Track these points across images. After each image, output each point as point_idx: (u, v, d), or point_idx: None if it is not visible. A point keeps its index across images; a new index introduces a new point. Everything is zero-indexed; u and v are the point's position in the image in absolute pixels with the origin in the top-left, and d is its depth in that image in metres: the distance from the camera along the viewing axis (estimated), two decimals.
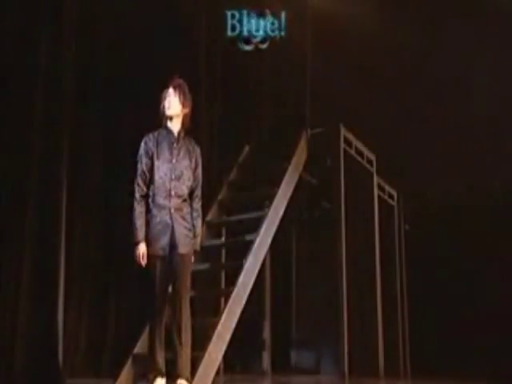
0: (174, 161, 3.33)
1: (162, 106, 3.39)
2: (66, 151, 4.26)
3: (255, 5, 5.24)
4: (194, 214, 3.38)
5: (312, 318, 6.03)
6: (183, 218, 3.30)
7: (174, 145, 3.37)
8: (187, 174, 3.35)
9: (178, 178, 3.31)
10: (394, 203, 6.48)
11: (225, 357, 3.96)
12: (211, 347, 3.66)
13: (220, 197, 5.05)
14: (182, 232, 3.27)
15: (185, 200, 3.34)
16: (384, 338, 5.60)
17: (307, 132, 5.27)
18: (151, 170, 3.33)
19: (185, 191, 3.33)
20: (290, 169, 4.93)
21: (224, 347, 3.80)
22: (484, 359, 6.05)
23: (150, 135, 3.41)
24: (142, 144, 3.39)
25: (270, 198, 4.68)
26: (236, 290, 4.02)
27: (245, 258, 4.20)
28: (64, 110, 4.29)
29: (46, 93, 4.23)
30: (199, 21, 5.33)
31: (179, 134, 3.41)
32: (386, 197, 6.30)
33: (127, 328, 4.75)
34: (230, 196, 5.10)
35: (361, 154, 5.59)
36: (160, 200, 3.28)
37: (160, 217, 3.25)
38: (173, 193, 3.29)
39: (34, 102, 4.19)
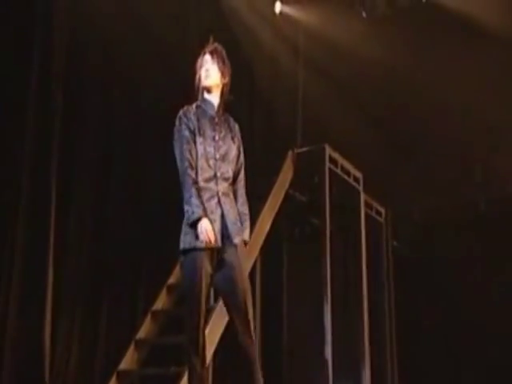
0: (216, 138, 2.91)
1: (197, 77, 2.98)
2: (55, 164, 4.32)
3: None
4: (240, 200, 2.94)
5: (301, 335, 6.10)
6: (231, 205, 2.88)
7: (216, 120, 2.95)
8: (231, 154, 2.93)
9: (223, 159, 2.90)
10: (382, 220, 6.59)
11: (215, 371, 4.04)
12: None
13: None
14: (232, 220, 2.84)
15: (230, 184, 2.93)
16: (371, 357, 5.67)
17: (294, 151, 5.42)
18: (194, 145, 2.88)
19: (230, 174, 2.92)
20: (276, 186, 5.05)
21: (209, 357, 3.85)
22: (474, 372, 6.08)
23: (189, 107, 2.97)
24: (181, 116, 2.93)
25: (257, 213, 4.81)
26: (218, 307, 4.11)
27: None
28: (54, 125, 4.35)
29: (36, 111, 4.29)
30: (187, 53, 5.47)
31: (219, 107, 2.98)
32: (373, 214, 6.42)
33: (118, 341, 4.82)
34: None
35: (347, 172, 5.72)
36: (204, 182, 2.84)
37: (207, 202, 2.79)
38: (219, 174, 2.87)
39: (24, 116, 4.24)
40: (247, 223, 2.94)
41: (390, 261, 6.57)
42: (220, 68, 2.96)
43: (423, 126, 6.77)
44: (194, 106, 2.97)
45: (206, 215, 2.72)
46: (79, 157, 4.69)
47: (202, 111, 2.95)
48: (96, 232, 4.83)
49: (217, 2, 5.92)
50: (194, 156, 2.85)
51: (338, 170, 5.53)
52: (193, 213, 2.73)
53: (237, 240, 2.81)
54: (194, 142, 2.87)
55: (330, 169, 5.38)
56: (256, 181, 5.36)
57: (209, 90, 2.97)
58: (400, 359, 6.44)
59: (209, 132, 2.91)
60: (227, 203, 2.85)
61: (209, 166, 2.85)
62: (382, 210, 6.59)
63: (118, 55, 4.89)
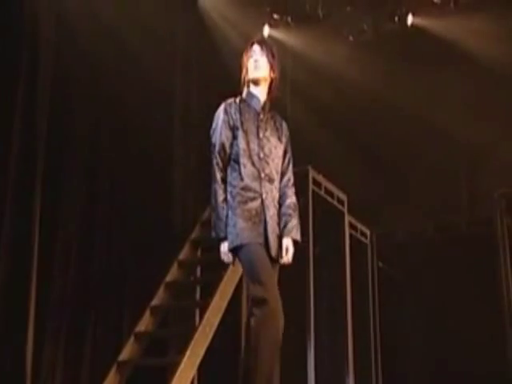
0: (261, 135, 2.72)
1: (244, 69, 2.79)
2: (40, 187, 4.38)
3: None
4: (287, 201, 2.72)
5: (286, 364, 6.11)
6: (274, 211, 2.67)
7: (261, 116, 2.76)
8: (276, 154, 2.74)
9: (267, 158, 2.70)
10: (367, 241, 6.65)
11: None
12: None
13: (193, 235, 5.23)
14: (272, 228, 2.63)
15: (275, 186, 2.71)
16: (356, 375, 5.68)
17: None
18: (231, 145, 2.70)
19: (274, 175, 2.72)
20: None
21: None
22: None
23: (231, 101, 2.78)
24: (221, 112, 2.74)
25: None
26: (201, 327, 4.16)
27: (210, 297, 4.36)
28: (38, 150, 4.40)
29: (21, 136, 4.35)
30: (174, 95, 5.56)
31: (265, 103, 2.79)
32: (358, 235, 6.48)
33: (103, 365, 4.83)
34: (201, 235, 5.28)
35: (331, 194, 5.79)
36: (246, 182, 2.64)
37: (249, 204, 2.60)
38: (263, 175, 2.67)
39: (8, 142, 4.28)
40: (292, 223, 2.69)
41: (375, 281, 6.62)
42: (269, 61, 2.78)
43: (407, 149, 6.89)
44: (237, 99, 2.78)
45: (226, 237, 2.58)
46: (64, 181, 4.76)
47: (246, 106, 2.75)
48: (81, 255, 4.90)
49: (204, 25, 6.05)
50: (226, 159, 2.67)
51: (322, 192, 5.61)
52: (220, 231, 2.61)
53: (274, 252, 2.62)
54: (235, 137, 2.68)
55: (313, 191, 5.45)
56: None
57: (256, 83, 2.77)
58: (385, 378, 6.46)
59: (252, 128, 2.71)
60: (270, 208, 2.65)
61: (252, 164, 2.66)
62: (367, 232, 6.66)
63: (104, 80, 4.98)
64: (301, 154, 6.86)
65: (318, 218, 5.58)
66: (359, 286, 6.32)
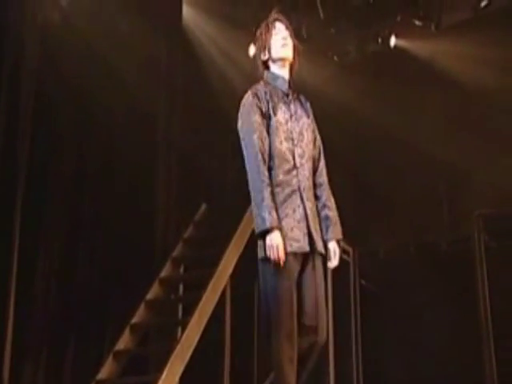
0: (293, 118, 2.48)
1: (264, 49, 2.53)
2: (21, 202, 4.41)
3: None
4: (325, 193, 2.50)
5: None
6: (313, 203, 2.45)
7: (290, 97, 2.52)
8: (308, 138, 2.50)
9: (301, 144, 2.47)
10: (350, 259, 6.72)
11: None
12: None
13: (175, 253, 5.28)
14: (314, 222, 2.42)
15: (310, 174, 2.49)
16: None
17: None
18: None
19: (309, 162, 2.49)
20: (241, 226, 5.19)
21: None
22: None
23: (257, 86, 2.52)
24: (249, 97, 2.47)
25: (221, 255, 4.93)
26: (179, 345, 4.19)
27: (189, 314, 4.40)
28: (18, 183, 4.42)
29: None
30: (158, 116, 5.62)
31: (290, 82, 2.56)
32: (341, 253, 6.53)
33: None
34: (183, 253, 5.34)
35: None
36: (283, 175, 2.40)
37: (289, 200, 2.36)
38: (298, 163, 2.43)
39: None
40: (335, 224, 2.48)
41: (357, 299, 6.67)
42: (294, 41, 2.59)
43: (390, 169, 6.99)
44: (261, 83, 2.53)
45: (279, 226, 2.27)
46: (47, 199, 4.81)
47: (272, 88, 2.50)
48: (62, 272, 4.92)
49: (188, 45, 6.13)
50: (267, 146, 2.38)
51: None
52: (263, 220, 2.26)
53: (320, 247, 2.40)
54: (268, 126, 2.42)
55: None
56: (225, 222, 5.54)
57: (282, 62, 2.53)
58: None
59: (283, 113, 2.46)
60: (310, 200, 2.42)
61: (287, 154, 2.42)
62: (350, 250, 6.72)
63: (86, 102, 5.05)
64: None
65: None
66: (342, 304, 6.37)
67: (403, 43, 7.26)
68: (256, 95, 2.48)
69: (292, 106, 2.52)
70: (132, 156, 5.11)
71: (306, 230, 2.38)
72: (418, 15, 6.87)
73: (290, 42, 2.57)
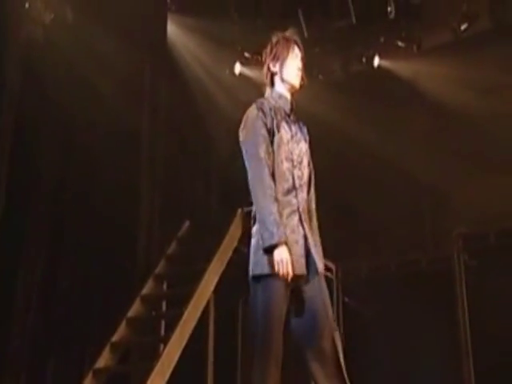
0: (294, 139, 2.47)
1: (277, 65, 2.50)
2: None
3: None
4: (315, 216, 2.50)
5: None
6: (311, 224, 2.44)
7: (291, 117, 2.51)
8: (305, 161, 2.50)
9: (300, 165, 2.46)
10: (333, 277, 6.76)
11: None
12: None
13: (157, 270, 5.29)
14: (313, 242, 2.39)
15: (306, 198, 2.46)
16: None
17: (243, 209, 5.61)
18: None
19: (306, 185, 2.47)
20: (224, 243, 5.22)
21: None
22: None
23: (263, 101, 2.49)
24: (255, 110, 2.44)
25: (203, 272, 4.95)
26: (159, 364, 4.19)
27: (171, 331, 4.41)
28: None
29: None
30: (141, 134, 5.66)
31: (292, 103, 2.54)
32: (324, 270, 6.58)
33: None
34: (166, 269, 5.35)
35: None
36: (282, 194, 2.36)
37: (287, 220, 2.32)
38: (297, 184, 2.41)
39: None
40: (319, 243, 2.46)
41: (341, 315, 6.70)
42: (303, 74, 2.56)
43: (372, 187, 7.07)
44: (265, 99, 2.50)
45: (287, 241, 2.23)
46: (27, 218, 4.81)
47: (276, 106, 2.48)
48: (44, 288, 4.92)
49: (174, 65, 6.20)
50: (271, 162, 2.35)
51: None
52: (271, 235, 2.22)
53: (321, 267, 2.37)
54: (271, 143, 2.39)
55: None
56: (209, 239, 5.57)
57: (290, 87, 2.51)
58: None
59: (285, 132, 2.45)
60: (307, 221, 2.40)
61: (286, 174, 2.40)
62: (333, 267, 6.77)
63: (71, 129, 5.09)
64: None
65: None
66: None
67: (386, 63, 7.40)
68: (261, 109, 2.45)
69: (293, 128, 2.52)
70: (115, 173, 5.14)
71: (303, 252, 2.34)
72: (400, 37, 7.01)
73: (302, 75, 2.58)
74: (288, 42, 2.57)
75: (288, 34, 2.61)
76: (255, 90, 7.29)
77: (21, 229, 4.73)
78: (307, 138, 2.60)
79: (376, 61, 7.31)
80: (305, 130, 2.61)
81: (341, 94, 7.38)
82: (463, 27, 6.43)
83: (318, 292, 2.35)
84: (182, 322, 4.47)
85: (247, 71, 7.52)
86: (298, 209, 2.39)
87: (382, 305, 6.61)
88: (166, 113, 5.83)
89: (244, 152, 2.47)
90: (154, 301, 5.17)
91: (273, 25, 6.56)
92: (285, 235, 2.27)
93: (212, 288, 4.99)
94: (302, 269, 2.32)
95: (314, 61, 7.46)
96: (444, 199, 6.81)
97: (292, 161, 2.45)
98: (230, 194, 6.69)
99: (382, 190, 6.99)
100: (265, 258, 2.29)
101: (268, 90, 2.56)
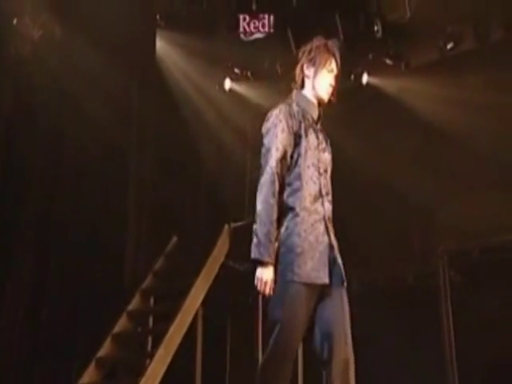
0: (320, 147, 2.43)
1: (314, 65, 2.45)
2: None
3: None
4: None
5: None
6: (335, 234, 2.38)
7: (318, 126, 2.48)
8: (329, 171, 2.48)
9: (326, 174, 2.43)
10: None
11: None
12: None
13: (144, 285, 5.31)
14: (339, 253, 2.35)
15: (331, 207, 2.41)
16: None
17: (230, 225, 5.66)
18: (291, 154, 2.32)
19: (330, 195, 2.43)
20: (211, 258, 5.25)
21: None
22: None
23: (291, 102, 2.43)
24: (283, 113, 2.36)
25: (189, 287, 4.98)
26: (144, 380, 4.19)
27: (155, 348, 4.41)
28: None
29: None
30: (129, 152, 5.71)
31: (320, 111, 2.52)
32: None
33: None
34: (153, 285, 5.36)
35: None
36: (310, 200, 2.31)
37: (313, 227, 2.27)
38: (324, 192, 2.38)
39: None
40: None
41: None
42: (334, 91, 2.52)
43: (359, 202, 7.12)
44: (293, 102, 2.44)
45: (272, 263, 2.18)
46: (14, 228, 4.81)
47: (303, 110, 2.43)
48: (31, 305, 4.91)
49: (163, 82, 6.25)
50: (285, 169, 2.28)
51: None
52: (264, 251, 2.18)
53: (344, 279, 2.32)
54: (296, 146, 2.31)
55: None
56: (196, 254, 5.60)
57: (318, 97, 2.48)
58: None
59: (312, 138, 2.40)
60: (333, 231, 2.36)
61: (314, 180, 2.35)
62: None
63: (58, 146, 5.12)
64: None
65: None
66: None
67: (375, 80, 7.49)
68: (288, 111, 2.39)
69: (319, 136, 2.48)
70: (103, 189, 5.17)
71: (326, 261, 2.28)
72: (388, 54, 7.11)
73: (332, 90, 2.52)
74: (328, 52, 2.52)
75: (329, 43, 2.54)
76: (245, 107, 7.43)
77: (8, 248, 4.73)
78: (330, 150, 2.56)
79: (364, 78, 7.40)
80: (328, 141, 2.58)
81: (329, 110, 7.45)
82: (449, 46, 6.53)
83: (339, 304, 2.32)
84: (167, 338, 4.48)
85: (237, 87, 7.60)
86: (324, 217, 2.34)
87: (369, 318, 6.65)
88: (154, 129, 5.88)
89: (261, 150, 2.40)
90: (140, 316, 5.17)
91: (262, 42, 6.68)
92: (274, 257, 2.20)
93: (199, 303, 5.01)
94: (324, 278, 2.27)
95: None
96: (431, 215, 6.87)
97: (319, 168, 2.39)
98: (218, 210, 6.73)
99: (370, 206, 7.04)
100: (295, 265, 2.23)
101: (295, 92, 2.50)
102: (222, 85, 7.15)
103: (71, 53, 5.12)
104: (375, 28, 6.46)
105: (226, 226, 5.63)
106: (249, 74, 7.49)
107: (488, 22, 6.37)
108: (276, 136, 2.33)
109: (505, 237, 5.60)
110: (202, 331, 5.55)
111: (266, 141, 2.36)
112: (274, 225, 2.25)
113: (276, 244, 2.26)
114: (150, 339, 5.24)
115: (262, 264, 2.23)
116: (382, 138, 7.21)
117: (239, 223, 5.72)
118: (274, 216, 2.25)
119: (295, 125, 2.36)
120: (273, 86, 7.49)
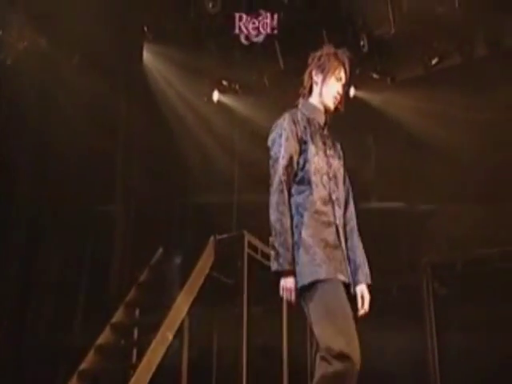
0: (328, 152, 2.43)
1: (322, 73, 2.48)
2: None
3: None
4: (355, 237, 2.42)
5: None
6: (352, 242, 2.38)
7: (325, 131, 2.48)
8: (340, 177, 2.46)
9: (335, 179, 2.42)
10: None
11: None
12: None
13: (128, 298, 5.29)
14: (360, 263, 2.37)
15: (344, 213, 2.41)
16: None
17: (215, 237, 5.67)
18: (298, 160, 2.35)
19: (342, 200, 2.41)
20: (196, 270, 5.25)
21: None
22: None
23: (295, 110, 2.47)
24: (287, 121, 2.39)
25: (174, 299, 4.97)
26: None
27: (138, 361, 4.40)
28: None
29: None
30: (116, 165, 5.71)
31: (327, 118, 2.52)
32: None
33: None
34: (139, 297, 5.35)
35: (268, 257, 5.96)
36: (321, 203, 2.33)
37: (325, 231, 2.28)
38: (334, 197, 2.36)
39: None
40: (366, 266, 2.43)
41: (313, 340, 6.72)
42: (341, 100, 2.54)
43: None
44: (300, 110, 2.47)
45: (294, 271, 2.19)
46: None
47: (309, 117, 2.45)
48: (14, 317, 4.89)
49: (151, 96, 6.27)
50: (292, 175, 2.31)
51: (258, 256, 5.78)
52: (283, 260, 2.20)
53: (368, 280, 2.37)
54: (302, 152, 2.34)
55: (249, 254, 5.62)
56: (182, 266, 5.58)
57: (324, 104, 2.49)
58: None
59: (320, 144, 2.41)
60: (344, 237, 2.35)
61: (323, 184, 2.35)
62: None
63: (44, 158, 5.12)
64: (249, 220, 7.09)
65: (258, 281, 5.74)
66: (297, 347, 6.42)
67: (362, 94, 7.58)
68: (293, 119, 2.40)
69: (327, 142, 2.47)
70: (89, 200, 5.17)
71: (343, 261, 2.31)
72: (375, 69, 7.19)
73: (339, 98, 2.54)
74: (337, 60, 2.55)
75: (340, 53, 2.58)
76: (233, 119, 7.47)
77: None
78: (341, 154, 2.56)
79: (352, 91, 7.48)
80: (338, 146, 2.58)
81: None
82: (433, 62, 6.63)
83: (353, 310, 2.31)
84: (150, 350, 4.47)
85: (225, 99, 7.64)
86: (335, 222, 2.34)
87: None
88: (141, 141, 5.90)
89: (270, 159, 2.43)
90: (124, 328, 5.15)
91: (250, 54, 6.74)
92: (294, 264, 2.22)
93: (183, 315, 5.00)
94: (347, 276, 2.31)
95: (290, 91, 7.62)
96: (417, 227, 6.92)
97: (327, 173, 2.39)
98: (205, 221, 6.73)
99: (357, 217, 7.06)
100: (308, 267, 2.24)
101: (302, 100, 2.53)
102: (210, 97, 7.20)
103: (56, 64, 5.14)
104: (361, 43, 6.54)
105: (212, 238, 5.64)
106: (237, 86, 7.55)
107: (472, 39, 6.48)
108: (281, 145, 2.37)
109: (487, 249, 5.66)
110: (187, 343, 5.54)
111: (272, 152, 2.41)
112: (289, 232, 2.27)
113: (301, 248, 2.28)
114: (134, 351, 5.22)
115: (283, 273, 2.26)
116: (369, 150, 7.28)
117: (225, 235, 5.74)
118: (288, 223, 2.28)
119: (300, 131, 2.39)
120: (260, 98, 7.57)
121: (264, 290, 6.18)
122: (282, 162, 2.34)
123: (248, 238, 5.59)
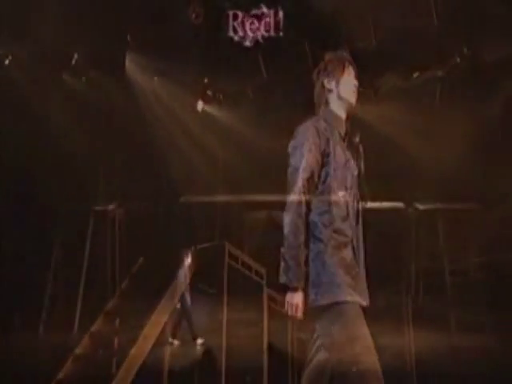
0: (348, 164, 2.33)
1: (334, 77, 2.41)
2: None
3: None
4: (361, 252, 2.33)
5: None
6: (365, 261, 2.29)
7: (345, 143, 2.38)
8: (355, 190, 2.35)
9: (351, 191, 2.32)
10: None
11: None
12: None
13: (108, 307, 5.29)
14: (365, 281, 2.28)
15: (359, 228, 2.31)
16: None
17: (196, 247, 5.68)
18: (319, 173, 2.25)
19: (356, 214, 2.31)
20: (175, 282, 5.26)
21: None
22: None
23: (319, 119, 2.35)
24: (310, 131, 2.28)
25: (153, 308, 4.98)
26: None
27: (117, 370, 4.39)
28: None
29: None
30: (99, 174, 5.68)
31: (347, 125, 2.44)
32: (278, 307, 6.63)
33: None
34: (118, 305, 5.34)
35: (249, 267, 5.99)
36: (340, 221, 2.23)
37: (343, 251, 2.20)
38: (351, 214, 2.26)
39: None
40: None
41: (294, 350, 6.72)
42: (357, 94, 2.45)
43: None
44: (322, 120, 2.35)
45: (303, 287, 2.13)
46: None
47: (331, 127, 2.34)
48: None
49: (134, 105, 6.26)
50: (312, 189, 2.21)
51: (239, 266, 5.80)
52: (292, 276, 2.13)
53: (366, 303, 2.27)
54: (324, 164, 2.24)
55: (230, 264, 5.64)
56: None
57: (346, 106, 2.43)
58: None
59: (341, 156, 2.30)
60: (361, 255, 2.26)
61: (343, 200, 2.25)
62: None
63: (26, 169, 5.10)
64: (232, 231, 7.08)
65: (239, 290, 5.74)
66: (279, 357, 6.41)
67: None
68: (316, 129, 2.30)
69: (347, 153, 2.38)
70: (71, 209, 5.16)
71: (359, 282, 2.25)
72: (360, 82, 7.25)
73: (356, 91, 2.48)
74: (341, 60, 2.51)
75: (339, 53, 2.56)
76: (217, 129, 7.48)
77: None
78: (362, 157, 2.44)
79: None
80: (360, 149, 2.46)
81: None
82: (415, 75, 6.71)
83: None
84: (128, 360, 4.46)
85: (209, 109, 7.67)
86: (352, 241, 2.25)
87: None
88: (123, 151, 5.90)
89: (289, 166, 2.34)
90: (102, 337, 5.14)
91: (235, 65, 6.78)
92: (303, 282, 2.15)
93: (162, 324, 5.00)
94: (365, 299, 2.27)
95: (275, 102, 7.67)
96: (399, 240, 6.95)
97: (346, 188, 2.30)
98: (188, 231, 6.73)
99: None
100: (326, 287, 2.18)
101: (322, 110, 2.43)
102: (194, 107, 7.23)
103: (39, 75, 5.14)
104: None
105: (192, 248, 5.66)
106: (221, 97, 7.59)
107: (453, 52, 6.57)
108: (303, 155, 2.26)
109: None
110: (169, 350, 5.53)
111: (292, 160, 2.30)
112: (302, 247, 2.18)
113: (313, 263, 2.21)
114: (114, 360, 5.19)
115: (291, 289, 2.19)
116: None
117: (206, 244, 5.75)
118: (302, 238, 2.19)
119: (323, 143, 2.29)
120: (244, 109, 7.61)
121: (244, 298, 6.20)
122: (303, 175, 2.24)
123: (228, 247, 5.61)
